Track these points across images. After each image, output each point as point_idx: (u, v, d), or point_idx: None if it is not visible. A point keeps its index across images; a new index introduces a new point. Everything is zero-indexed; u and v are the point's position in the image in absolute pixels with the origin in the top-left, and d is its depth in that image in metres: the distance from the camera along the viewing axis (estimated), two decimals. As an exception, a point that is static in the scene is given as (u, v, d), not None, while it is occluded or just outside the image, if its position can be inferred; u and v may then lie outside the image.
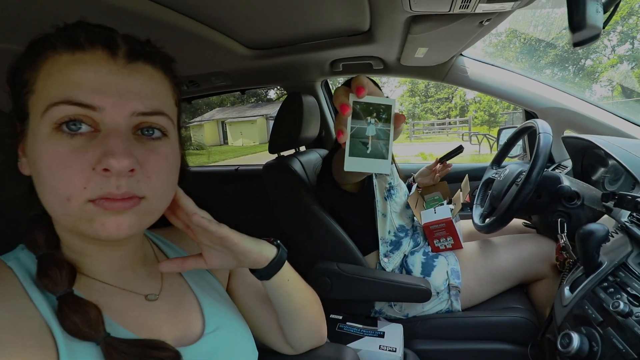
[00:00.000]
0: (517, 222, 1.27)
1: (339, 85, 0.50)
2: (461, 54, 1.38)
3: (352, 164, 0.38)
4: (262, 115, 20.25)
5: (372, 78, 1.23)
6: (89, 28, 0.37)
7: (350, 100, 0.37)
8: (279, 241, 0.53)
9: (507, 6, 0.70)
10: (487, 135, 10.84)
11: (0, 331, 0.31)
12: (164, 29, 0.94)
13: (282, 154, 1.26)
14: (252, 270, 0.51)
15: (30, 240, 0.39)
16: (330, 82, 1.76)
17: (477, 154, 10.17)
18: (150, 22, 0.89)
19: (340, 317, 0.95)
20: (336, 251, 1.08)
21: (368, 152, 0.38)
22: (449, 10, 0.75)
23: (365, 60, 1.35)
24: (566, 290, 0.79)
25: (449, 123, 19.74)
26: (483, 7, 0.71)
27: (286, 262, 0.54)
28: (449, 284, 1.04)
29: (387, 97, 0.39)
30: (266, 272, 0.50)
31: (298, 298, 0.56)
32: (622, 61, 22.03)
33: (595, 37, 0.57)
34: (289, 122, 1.19)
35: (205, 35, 1.05)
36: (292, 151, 1.39)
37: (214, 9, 0.91)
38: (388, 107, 0.38)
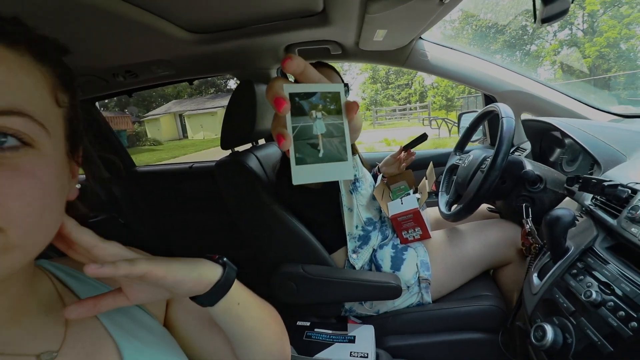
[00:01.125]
0: (481, 207, 1.27)
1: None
2: (421, 38, 1.33)
3: (303, 175, 0.28)
4: (223, 106, 19.44)
5: (330, 64, 1.15)
6: None
7: (285, 92, 0.27)
8: (225, 259, 0.43)
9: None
10: (445, 120, 11.25)
11: None
12: (90, 14, 0.80)
13: (237, 149, 1.15)
14: (192, 297, 0.41)
15: None
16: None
17: (437, 137, 10.53)
18: (72, 7, 0.75)
19: (308, 324, 0.89)
20: (300, 252, 1.00)
21: (320, 155, 0.28)
22: (408, -15, 0.68)
23: (322, 45, 1.26)
24: (534, 277, 0.78)
25: (410, 109, 20.24)
26: (444, -19, 0.64)
27: (235, 281, 0.44)
28: (419, 277, 1.01)
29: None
30: (208, 298, 0.40)
31: (252, 322, 0.46)
32: (562, 46, 23.80)
33: (564, 12, 0.52)
34: (241, 114, 1.08)
35: (138, 18, 0.91)
36: (248, 146, 1.28)
37: None
38: (336, 95, 0.29)
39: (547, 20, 0.52)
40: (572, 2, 0.53)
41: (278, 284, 0.98)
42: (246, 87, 1.07)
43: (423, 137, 1.28)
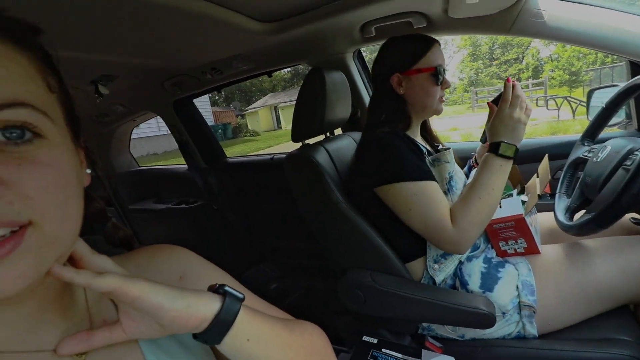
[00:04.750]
0: (624, 218, 0.93)
1: None
2: (534, -7, 1.03)
3: None
4: (313, 96, 20.04)
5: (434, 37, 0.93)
6: None
7: None
8: (227, 287, 0.36)
9: None
10: (568, 98, 9.28)
11: None
12: (161, 12, 0.84)
13: (308, 142, 1.09)
14: (194, 336, 0.35)
15: None
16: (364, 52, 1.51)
17: (556, 120, 8.79)
18: (141, 6, 0.79)
19: (376, 341, 0.78)
20: (370, 258, 0.89)
21: None
22: None
23: (403, 19, 1.09)
24: None
25: (520, 87, 17.46)
26: None
27: (246, 314, 0.36)
28: (519, 302, 0.79)
29: None
30: (208, 336, 0.34)
31: None
32: None
33: None
34: (311, 104, 1.01)
35: (210, 13, 0.93)
36: (322, 137, 1.21)
37: None
38: None
39: None
40: None
41: (344, 290, 0.89)
42: (315, 75, 1.00)
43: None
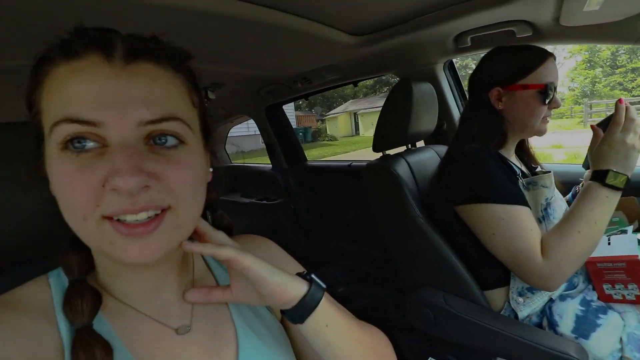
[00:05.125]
0: None
1: None
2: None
3: None
4: (394, 104, 19.62)
5: (545, 49, 0.86)
6: (85, 32, 0.34)
7: None
8: (313, 275, 0.42)
9: None
10: None
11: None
12: (264, 28, 0.94)
13: (390, 152, 1.10)
14: (282, 312, 0.41)
15: (65, 264, 0.39)
16: (455, 62, 1.44)
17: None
18: (248, 24, 0.90)
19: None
20: (445, 278, 0.86)
21: None
22: None
23: (504, 28, 1.02)
24: None
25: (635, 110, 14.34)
26: None
27: (327, 303, 0.41)
28: (621, 357, 0.68)
29: None
30: (295, 313, 0.40)
31: (343, 352, 0.42)
32: None
33: None
34: (396, 115, 1.02)
35: (306, 29, 1.00)
36: (403, 148, 1.20)
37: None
38: None
39: None
40: None
41: (413, 307, 0.88)
42: (403, 86, 1.00)
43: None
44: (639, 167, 0.96)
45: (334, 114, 23.96)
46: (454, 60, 1.40)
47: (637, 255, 0.72)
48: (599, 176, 0.71)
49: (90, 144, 0.32)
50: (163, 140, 0.34)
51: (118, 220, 0.32)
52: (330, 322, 0.41)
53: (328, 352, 0.41)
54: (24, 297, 0.37)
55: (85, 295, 0.36)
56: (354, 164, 1.94)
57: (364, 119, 21.47)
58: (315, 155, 11.86)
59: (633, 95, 19.85)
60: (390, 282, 1.69)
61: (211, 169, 0.44)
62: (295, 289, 0.39)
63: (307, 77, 1.58)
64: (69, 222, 0.34)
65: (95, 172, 0.31)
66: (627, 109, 0.71)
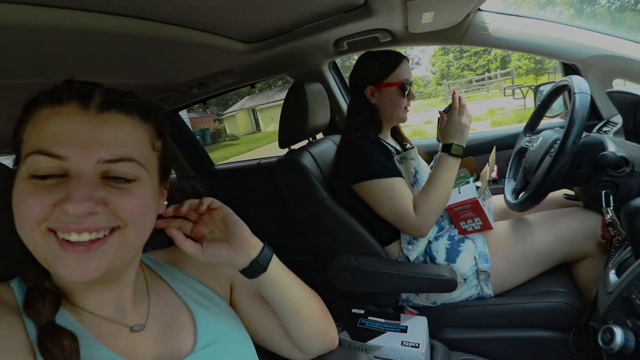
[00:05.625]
0: (557, 194, 1.13)
1: None
2: (479, 9, 1.21)
3: None
4: (291, 97, 20.02)
5: (399, 52, 1.08)
6: (73, 84, 0.40)
7: None
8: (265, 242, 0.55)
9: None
10: (532, 87, 9.81)
11: None
12: (156, 41, 0.94)
13: (295, 146, 1.23)
14: (243, 271, 0.52)
15: (22, 273, 0.42)
16: (338, 62, 1.66)
17: (523, 108, 9.30)
18: (140, 39, 0.89)
19: (362, 312, 0.93)
20: (354, 244, 1.04)
21: None
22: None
23: (370, 35, 1.24)
24: (611, 274, 0.70)
25: (489, 78, 18.16)
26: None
27: (277, 260, 0.55)
28: (477, 269, 0.97)
29: None
30: (262, 258, 0.52)
31: (294, 295, 0.56)
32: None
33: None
34: (294, 114, 1.15)
35: (200, 39, 1.03)
36: (305, 142, 1.35)
37: (202, 11, 0.88)
38: None
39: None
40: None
41: (333, 274, 1.04)
42: (297, 88, 1.13)
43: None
44: (472, 135, 1.31)
45: (232, 112, 23.14)
46: (336, 60, 1.61)
47: (476, 197, 1.02)
48: (446, 148, 0.97)
49: (50, 174, 0.37)
50: (119, 178, 0.40)
51: (63, 238, 0.36)
52: (281, 272, 0.55)
53: (287, 293, 0.54)
54: None
55: (45, 296, 0.40)
56: (262, 161, 2.02)
57: (263, 114, 21.34)
58: (219, 157, 11.34)
59: (477, 74, 24.58)
60: (314, 265, 1.86)
61: (165, 202, 0.51)
62: (256, 241, 0.53)
63: (204, 82, 1.58)
64: (20, 234, 0.38)
65: (51, 195, 0.36)
66: (460, 98, 0.98)
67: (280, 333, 0.59)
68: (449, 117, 0.98)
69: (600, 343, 0.59)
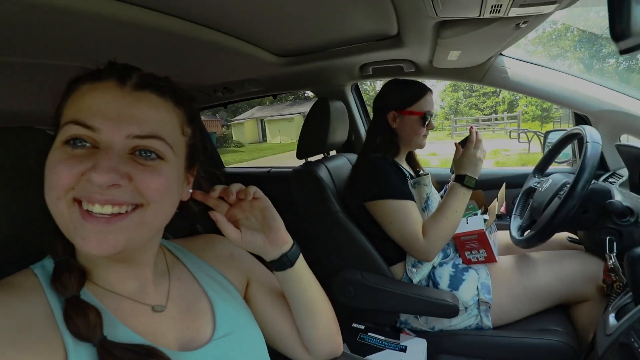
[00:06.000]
0: (561, 236, 1.17)
1: None
2: (501, 54, 1.29)
3: None
4: (300, 113, 20.45)
5: (424, 84, 1.13)
6: (114, 65, 0.42)
7: None
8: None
9: (545, 9, 0.64)
10: (537, 133, 10.02)
11: (11, 332, 0.34)
12: (194, 42, 0.98)
13: (310, 159, 1.27)
14: (272, 262, 0.55)
15: (50, 249, 0.43)
16: (360, 85, 1.73)
17: (527, 152, 9.46)
18: (180, 38, 0.93)
19: (362, 327, 0.95)
20: (361, 260, 1.07)
21: None
22: (479, 15, 0.70)
23: (396, 64, 1.31)
24: (611, 317, 0.72)
25: (496, 119, 18.55)
26: (517, 11, 0.65)
27: (302, 258, 0.58)
28: (478, 299, 0.99)
29: None
30: (292, 253, 0.55)
31: (312, 293, 0.59)
32: None
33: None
34: (316, 128, 1.20)
35: (234, 46, 1.07)
36: (320, 156, 1.39)
37: (240, 20, 0.93)
38: None
39: (625, 52, 0.51)
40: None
41: (338, 287, 1.06)
42: (322, 104, 1.19)
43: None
44: (483, 170, 1.35)
45: (240, 119, 23.42)
46: (359, 83, 1.68)
47: (483, 229, 1.05)
48: (460, 179, 1.01)
49: (85, 144, 0.39)
50: (148, 154, 0.41)
51: (87, 210, 0.37)
52: (306, 266, 0.58)
53: (307, 290, 0.57)
54: (13, 282, 0.40)
55: (72, 270, 0.41)
56: (273, 169, 2.07)
57: (271, 126, 21.60)
58: (222, 161, 11.38)
59: (484, 114, 25.11)
60: (316, 275, 1.87)
61: (190, 190, 0.51)
62: (288, 234, 0.56)
63: (229, 87, 1.65)
64: (47, 200, 0.39)
65: (80, 164, 0.37)
66: (477, 133, 1.04)
67: (290, 332, 0.61)
68: (465, 150, 1.02)
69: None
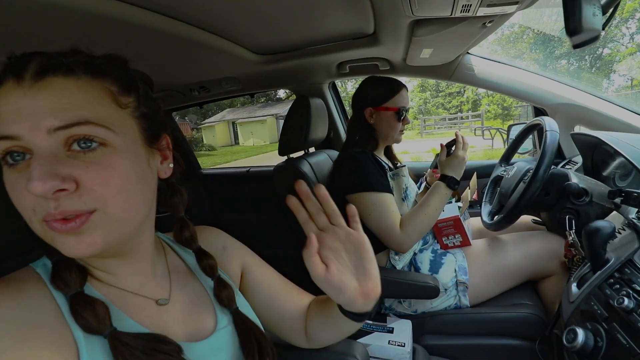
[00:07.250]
0: (526, 219, 1.27)
1: None
2: (468, 52, 1.38)
3: None
4: (272, 114, 20.33)
5: (399, 81, 1.18)
6: (8, 62, 0.37)
7: None
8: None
9: (508, 9, 0.71)
10: (500, 130, 10.65)
11: (22, 327, 0.34)
12: (171, 39, 0.94)
13: (291, 156, 1.29)
14: (349, 312, 0.52)
15: (46, 250, 0.42)
16: (337, 83, 1.78)
17: (491, 148, 10.00)
18: (157, 34, 0.88)
19: (351, 314, 0.98)
20: (345, 250, 1.10)
21: None
22: (451, 14, 0.76)
23: (372, 62, 1.37)
24: (573, 286, 0.80)
25: (461, 118, 19.43)
26: (484, 11, 0.72)
27: None
28: (456, 281, 1.06)
29: None
30: (372, 312, 0.52)
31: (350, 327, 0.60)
32: (642, 49, 21.25)
33: (595, 39, 0.58)
34: (297, 125, 1.22)
35: (213, 43, 1.05)
36: (301, 153, 1.42)
37: (220, 17, 0.91)
38: None
39: (578, 46, 0.58)
40: (603, 29, 0.59)
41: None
42: (302, 101, 1.21)
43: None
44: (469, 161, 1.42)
45: (211, 122, 22.86)
46: (335, 81, 1.72)
47: (458, 215, 1.12)
48: (445, 179, 1.07)
49: (19, 157, 0.35)
50: (88, 144, 0.36)
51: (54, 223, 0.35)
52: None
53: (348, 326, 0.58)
54: (17, 278, 0.39)
55: (71, 268, 0.40)
56: (252, 169, 2.06)
57: (243, 128, 21.26)
58: (193, 166, 11.07)
59: (450, 113, 26.18)
60: (301, 267, 1.88)
61: (171, 165, 0.47)
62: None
63: (206, 85, 1.63)
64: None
65: (24, 181, 0.34)
66: (463, 137, 1.10)
67: (287, 318, 0.63)
68: (455, 151, 1.09)
69: (565, 342, 0.68)
